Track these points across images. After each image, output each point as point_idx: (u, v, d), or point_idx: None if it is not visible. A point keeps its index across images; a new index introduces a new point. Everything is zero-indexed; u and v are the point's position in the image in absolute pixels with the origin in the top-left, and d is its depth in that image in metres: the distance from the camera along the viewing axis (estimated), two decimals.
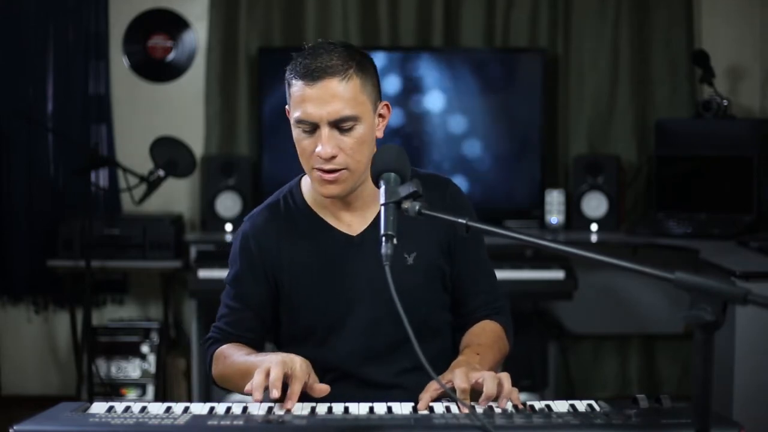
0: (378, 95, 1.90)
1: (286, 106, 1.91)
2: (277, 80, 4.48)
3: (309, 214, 1.96)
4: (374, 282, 1.81)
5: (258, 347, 1.97)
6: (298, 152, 1.88)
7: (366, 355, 1.92)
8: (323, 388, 1.70)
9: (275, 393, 1.61)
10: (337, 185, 1.84)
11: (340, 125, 1.81)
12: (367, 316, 1.91)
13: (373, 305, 1.90)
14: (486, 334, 1.96)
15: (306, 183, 1.99)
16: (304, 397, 1.72)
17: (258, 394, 1.61)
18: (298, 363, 1.68)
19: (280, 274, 1.94)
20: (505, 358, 1.99)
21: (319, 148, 1.80)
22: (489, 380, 1.65)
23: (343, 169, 1.82)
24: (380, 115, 1.91)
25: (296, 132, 1.86)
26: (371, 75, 1.87)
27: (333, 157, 1.81)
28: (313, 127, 1.82)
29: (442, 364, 1.80)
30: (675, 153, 4.21)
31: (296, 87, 1.83)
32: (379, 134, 1.91)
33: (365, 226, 1.93)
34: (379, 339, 1.92)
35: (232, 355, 1.89)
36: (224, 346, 1.94)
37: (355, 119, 1.81)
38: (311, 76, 1.80)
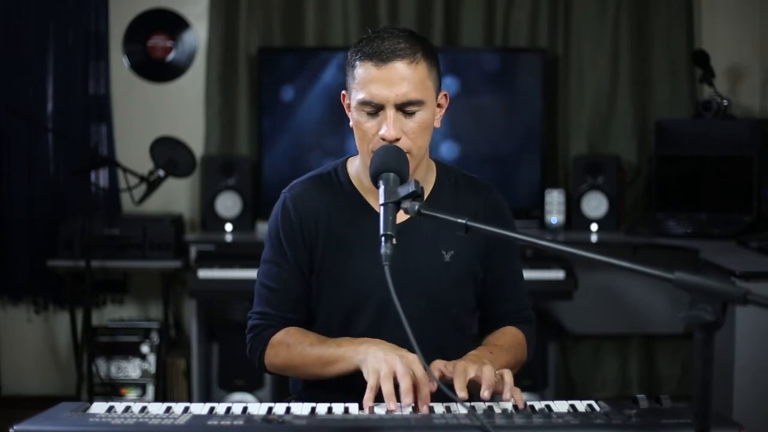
0: (440, 83, 1.90)
1: (343, 92, 1.90)
2: (277, 80, 4.51)
3: (353, 194, 1.95)
4: (403, 275, 1.77)
5: (304, 325, 1.96)
6: (357, 135, 1.85)
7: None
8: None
9: (392, 406, 1.60)
10: None
11: (405, 108, 1.80)
12: (388, 306, 1.87)
13: (399, 296, 1.89)
14: (505, 338, 1.96)
15: (353, 165, 1.97)
16: (306, 397, 1.72)
17: (393, 405, 1.59)
18: (412, 362, 1.65)
19: (316, 242, 1.93)
20: (521, 365, 1.98)
21: (383, 130, 1.78)
22: (487, 371, 1.67)
23: (406, 152, 1.79)
24: (439, 105, 1.91)
25: (358, 114, 1.83)
26: (436, 62, 1.88)
27: (397, 140, 1.79)
28: (376, 109, 1.80)
29: None
30: (675, 153, 4.21)
31: (362, 68, 1.80)
32: (437, 124, 1.90)
33: (406, 217, 1.84)
34: (396, 330, 1.90)
35: (300, 342, 1.86)
36: (282, 333, 1.91)
37: (420, 103, 1.81)
38: (380, 56, 1.78)
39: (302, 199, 1.94)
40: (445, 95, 1.92)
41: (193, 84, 4.44)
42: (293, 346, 1.87)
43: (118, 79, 4.42)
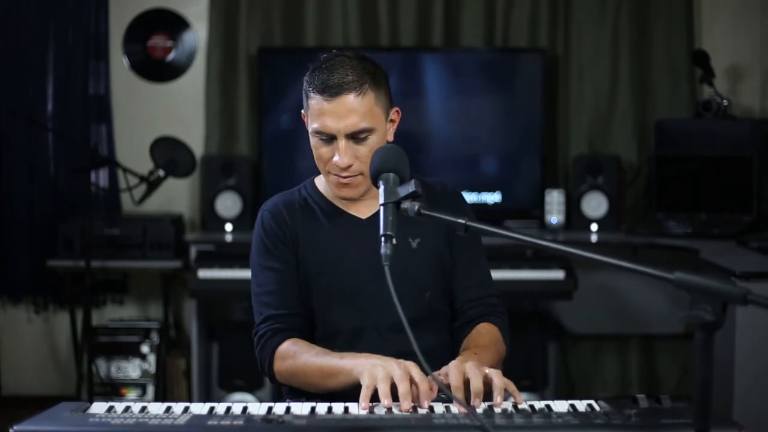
0: (390, 103, 2.02)
1: (302, 111, 2.02)
2: (277, 80, 4.50)
3: (323, 201, 2.08)
4: (376, 262, 1.81)
5: (307, 326, 2.02)
6: (315, 157, 2.00)
7: (365, 333, 1.99)
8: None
9: (387, 403, 1.62)
10: (352, 188, 1.98)
11: (356, 136, 1.93)
12: (369, 296, 1.98)
13: (377, 285, 1.91)
14: (483, 337, 2.00)
15: (320, 181, 2.11)
16: (304, 397, 1.72)
17: (389, 402, 1.63)
18: (410, 367, 1.68)
19: (296, 250, 2.04)
20: (503, 360, 2.01)
21: (336, 158, 1.93)
22: (474, 378, 1.68)
23: (358, 174, 1.95)
24: (391, 120, 2.04)
25: (314, 140, 1.97)
26: (384, 87, 1.99)
27: (349, 166, 1.94)
28: (330, 138, 1.94)
29: (440, 355, 1.91)
30: (675, 153, 4.21)
31: (314, 100, 1.94)
32: (390, 138, 2.03)
33: (374, 211, 2.01)
34: (379, 319, 1.98)
35: (305, 352, 1.91)
36: (288, 344, 1.96)
37: (370, 131, 1.94)
38: (329, 92, 1.91)
39: (280, 212, 2.08)
40: (396, 111, 2.04)
41: (193, 84, 4.44)
42: (298, 356, 1.92)
43: (118, 79, 4.42)
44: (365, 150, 1.93)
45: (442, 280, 2.06)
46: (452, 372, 1.70)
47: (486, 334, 2.00)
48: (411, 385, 1.65)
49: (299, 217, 2.06)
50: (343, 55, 1.98)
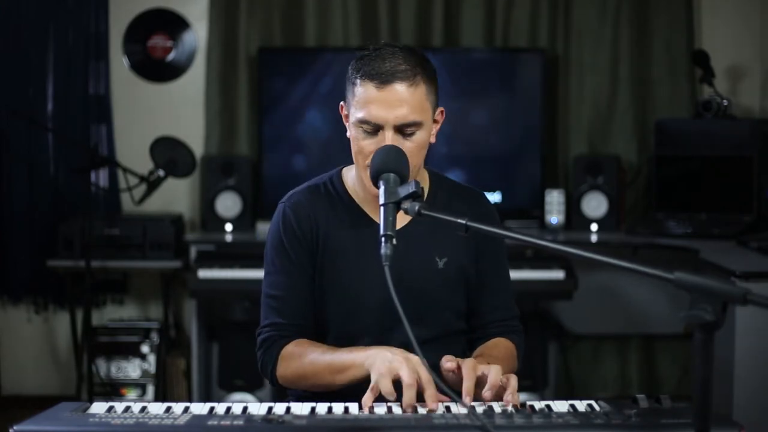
0: (437, 100, 1.93)
1: (341, 103, 1.92)
2: (277, 80, 4.50)
3: (350, 204, 1.97)
4: (402, 281, 1.78)
5: (315, 333, 1.95)
6: (354, 149, 1.88)
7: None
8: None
9: (392, 397, 1.62)
10: None
11: (404, 130, 1.83)
12: (387, 313, 1.89)
13: (405, 303, 1.90)
14: (499, 349, 1.97)
15: (349, 174, 2.00)
16: (304, 397, 1.72)
17: (392, 397, 1.62)
18: (418, 367, 1.66)
19: (316, 250, 1.94)
20: None
21: None
22: (494, 371, 1.67)
23: None
24: (435, 120, 1.94)
25: (356, 130, 1.86)
26: (435, 82, 1.91)
27: None
28: (375, 129, 1.83)
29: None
30: (675, 153, 4.21)
31: (363, 87, 1.83)
32: (433, 139, 1.93)
33: (403, 224, 1.91)
34: (396, 337, 1.90)
35: (310, 352, 1.86)
36: (292, 346, 1.90)
37: (418, 125, 1.84)
38: (380, 78, 1.81)
39: (302, 207, 1.96)
40: (441, 111, 1.95)
41: (193, 84, 4.44)
42: (304, 356, 1.87)
43: (118, 79, 4.42)
44: (411, 146, 1.83)
45: (462, 298, 2.00)
46: (466, 369, 1.68)
47: (503, 347, 1.98)
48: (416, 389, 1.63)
49: (323, 219, 1.95)
50: (394, 45, 1.88)
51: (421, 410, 1.62)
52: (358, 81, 1.84)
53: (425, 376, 1.64)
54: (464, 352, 2.00)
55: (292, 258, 1.94)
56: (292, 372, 1.89)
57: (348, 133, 1.90)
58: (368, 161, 1.82)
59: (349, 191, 1.98)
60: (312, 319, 1.97)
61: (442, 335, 1.96)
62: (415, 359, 1.67)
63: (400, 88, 1.81)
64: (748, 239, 3.70)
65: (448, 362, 1.73)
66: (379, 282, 1.87)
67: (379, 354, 1.72)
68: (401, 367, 1.65)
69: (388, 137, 1.81)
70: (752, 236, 3.79)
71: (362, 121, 1.83)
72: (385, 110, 1.81)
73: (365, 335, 1.92)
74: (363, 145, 1.85)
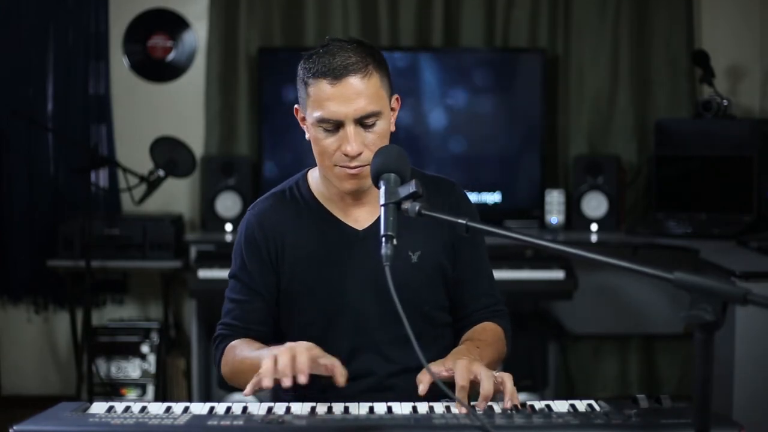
0: (392, 88, 1.92)
1: (296, 106, 1.91)
2: (277, 80, 4.50)
3: (316, 206, 1.96)
4: (377, 279, 1.78)
5: (269, 341, 1.92)
6: (316, 151, 1.87)
7: (363, 352, 1.92)
8: (344, 372, 1.65)
9: (287, 381, 1.58)
10: (360, 179, 1.85)
11: (364, 122, 1.82)
12: (366, 313, 1.91)
13: (373, 302, 1.90)
14: (486, 333, 1.97)
15: (313, 177, 1.99)
16: (306, 396, 1.72)
17: (268, 381, 1.58)
18: (305, 346, 1.64)
19: (282, 261, 1.94)
20: (502, 361, 1.99)
21: (348, 147, 1.80)
22: (486, 380, 1.64)
23: (366, 164, 1.81)
24: (392, 109, 1.93)
25: (316, 131, 1.84)
26: (386, 69, 1.89)
27: (359, 154, 1.82)
28: (336, 126, 1.82)
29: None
30: (675, 153, 4.21)
31: (316, 87, 1.81)
32: (392, 128, 1.92)
33: (372, 221, 1.92)
34: (377, 336, 1.91)
35: (243, 350, 1.86)
36: (233, 343, 1.91)
37: (377, 115, 1.83)
38: (333, 74, 1.79)
39: (266, 216, 1.96)
40: (396, 99, 1.94)
41: (193, 84, 4.44)
42: (237, 355, 1.86)
43: (118, 79, 4.42)
44: (374, 137, 1.82)
45: (442, 291, 1.99)
46: (459, 370, 1.66)
47: (490, 331, 1.97)
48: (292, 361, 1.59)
49: (289, 226, 1.94)
50: (340, 40, 1.86)
51: (421, 410, 1.62)
52: (310, 80, 1.82)
53: (309, 353, 1.61)
54: (451, 346, 1.96)
55: (248, 271, 1.94)
56: (228, 369, 1.89)
57: (307, 136, 1.89)
58: (334, 160, 1.83)
59: (315, 193, 1.98)
60: (269, 326, 1.96)
61: (425, 330, 1.93)
62: (309, 344, 1.64)
63: (354, 81, 1.80)
64: (748, 239, 3.70)
65: (436, 370, 1.69)
66: (352, 283, 1.90)
67: (274, 350, 1.66)
68: (282, 349, 1.62)
69: (350, 132, 1.80)
70: (752, 236, 3.79)
71: (321, 120, 1.81)
72: (343, 105, 1.79)
73: (342, 338, 1.91)
74: (325, 145, 1.83)
